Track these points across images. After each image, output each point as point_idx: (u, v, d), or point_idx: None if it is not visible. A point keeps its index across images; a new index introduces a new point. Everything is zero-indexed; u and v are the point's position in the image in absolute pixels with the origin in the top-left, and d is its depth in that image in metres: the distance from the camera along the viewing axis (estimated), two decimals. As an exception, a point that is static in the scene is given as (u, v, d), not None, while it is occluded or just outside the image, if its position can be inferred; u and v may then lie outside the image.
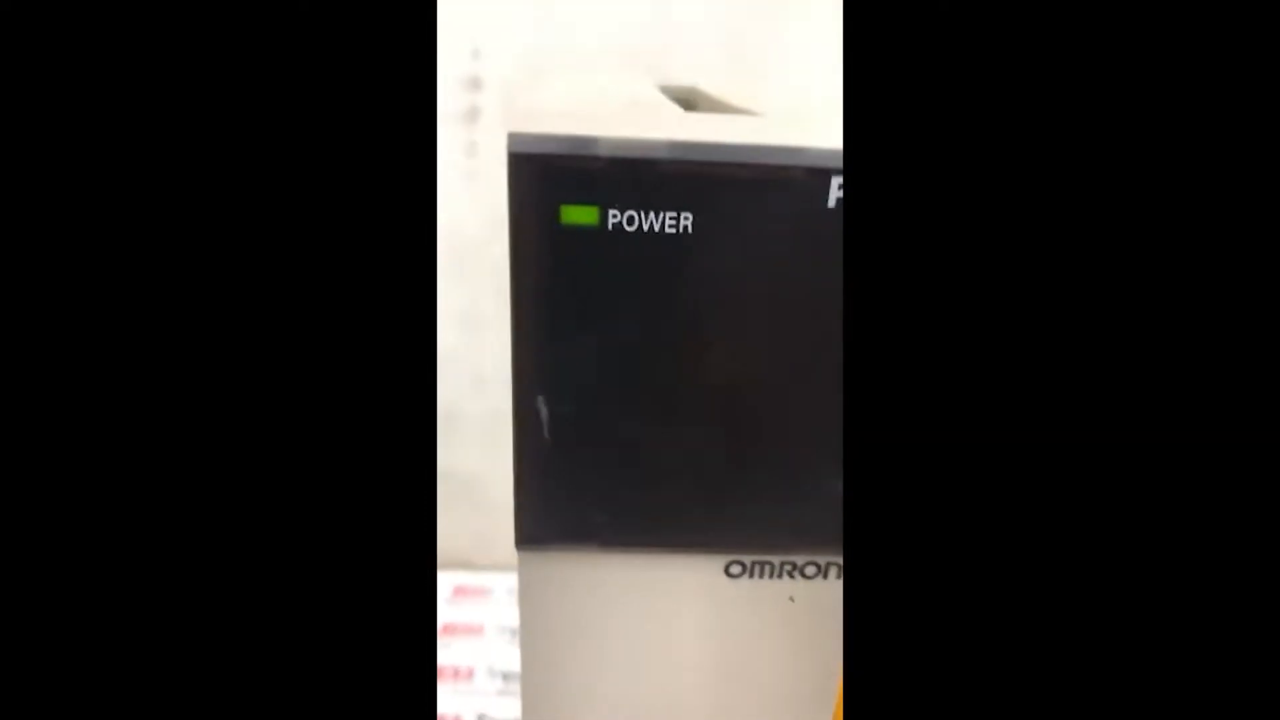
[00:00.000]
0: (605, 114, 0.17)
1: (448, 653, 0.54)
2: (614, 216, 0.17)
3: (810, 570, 0.21)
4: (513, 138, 0.17)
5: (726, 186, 0.17)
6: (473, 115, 0.53)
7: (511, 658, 0.54)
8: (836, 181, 0.17)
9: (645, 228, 0.17)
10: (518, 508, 0.20)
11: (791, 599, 0.22)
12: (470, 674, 0.54)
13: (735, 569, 0.21)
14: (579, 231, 0.17)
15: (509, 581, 0.51)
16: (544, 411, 0.19)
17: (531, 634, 0.22)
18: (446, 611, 0.58)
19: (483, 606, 0.57)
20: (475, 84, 0.53)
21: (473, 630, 0.56)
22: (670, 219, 0.17)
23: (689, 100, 0.31)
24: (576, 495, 0.20)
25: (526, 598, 0.22)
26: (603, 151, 0.17)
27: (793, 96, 0.27)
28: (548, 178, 0.17)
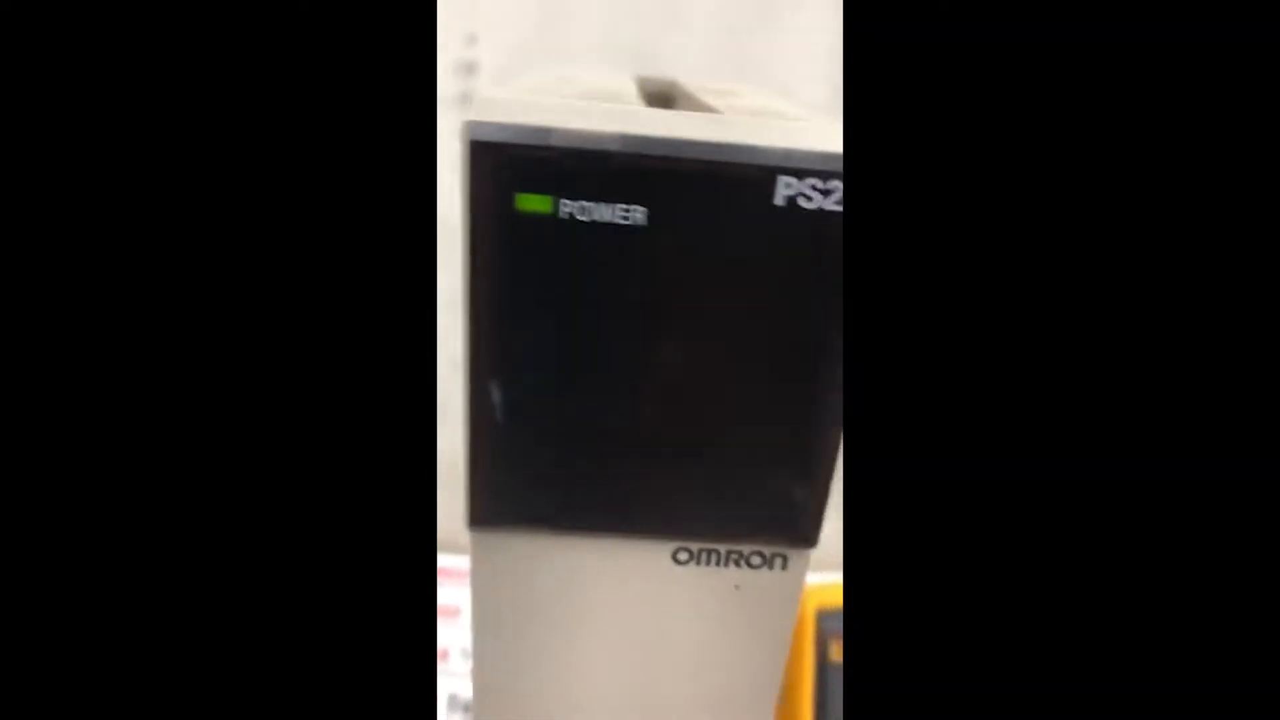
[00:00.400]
0: (563, 105, 0.17)
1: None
2: (566, 206, 0.17)
3: (756, 560, 0.22)
4: (470, 126, 0.17)
5: (677, 181, 0.17)
6: (465, 100, 0.53)
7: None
8: (783, 180, 0.17)
9: (598, 218, 0.18)
10: (470, 489, 0.20)
11: (737, 587, 0.22)
12: (445, 655, 0.55)
13: (683, 555, 0.22)
14: (533, 219, 0.18)
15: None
16: (497, 395, 0.19)
17: (482, 614, 0.22)
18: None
19: (460, 588, 0.57)
20: (469, 69, 0.53)
21: (449, 612, 0.56)
22: (622, 211, 0.18)
23: (667, 94, 0.31)
24: (528, 479, 0.20)
25: (478, 578, 0.22)
26: (557, 142, 0.17)
27: (775, 92, 0.28)
28: (503, 166, 0.17)
